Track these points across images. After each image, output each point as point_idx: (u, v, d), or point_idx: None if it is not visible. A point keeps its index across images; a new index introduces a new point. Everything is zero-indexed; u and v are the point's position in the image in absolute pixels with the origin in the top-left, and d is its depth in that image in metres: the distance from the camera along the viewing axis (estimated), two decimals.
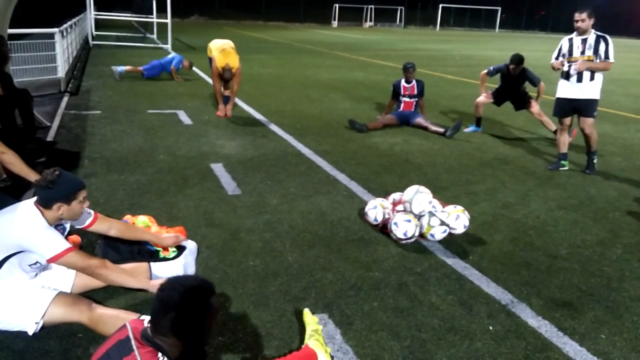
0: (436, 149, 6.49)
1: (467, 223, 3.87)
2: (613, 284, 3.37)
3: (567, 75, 5.58)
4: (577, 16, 5.38)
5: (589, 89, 5.51)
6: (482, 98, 7.40)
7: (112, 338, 1.76)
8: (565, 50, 5.59)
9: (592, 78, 5.47)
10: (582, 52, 5.44)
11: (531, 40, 37.66)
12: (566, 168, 5.84)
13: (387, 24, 51.99)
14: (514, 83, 7.10)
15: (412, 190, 3.91)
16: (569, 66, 5.51)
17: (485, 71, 7.32)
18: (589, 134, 5.63)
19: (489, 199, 4.79)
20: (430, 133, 7.20)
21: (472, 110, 7.55)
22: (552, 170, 5.84)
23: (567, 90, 5.63)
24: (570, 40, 5.55)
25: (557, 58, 5.70)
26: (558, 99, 5.75)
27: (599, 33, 5.43)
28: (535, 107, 7.08)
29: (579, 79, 5.50)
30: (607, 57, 5.37)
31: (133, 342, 1.69)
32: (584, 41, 5.43)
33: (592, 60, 5.39)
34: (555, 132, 7.04)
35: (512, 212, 4.50)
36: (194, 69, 11.92)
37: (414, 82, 7.44)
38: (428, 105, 8.19)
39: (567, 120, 5.81)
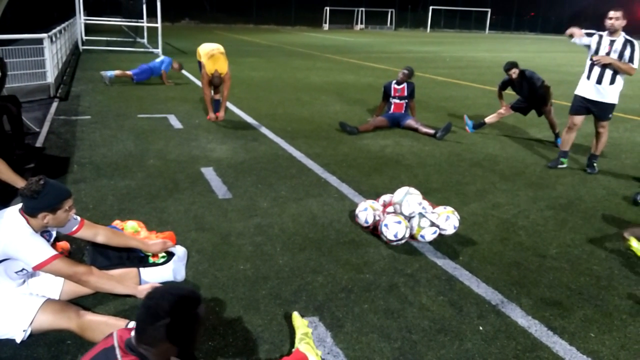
0: (427, 150, 6.51)
1: (457, 224, 3.88)
2: (602, 282, 3.40)
3: (590, 67, 5.46)
4: (612, 14, 5.20)
5: (607, 93, 5.43)
6: (502, 110, 7.31)
7: (98, 346, 1.76)
8: (593, 46, 5.42)
9: (612, 82, 5.35)
10: (607, 54, 5.30)
11: (521, 41, 37.94)
12: (565, 166, 5.92)
13: (377, 26, 52.15)
14: (523, 89, 6.97)
15: (402, 192, 3.92)
16: (593, 62, 5.38)
17: (497, 87, 7.33)
18: (601, 132, 5.66)
19: (479, 200, 4.82)
20: (421, 134, 7.23)
21: (463, 111, 7.58)
22: (551, 167, 5.91)
23: (585, 89, 5.58)
24: (600, 37, 5.38)
25: (588, 47, 5.48)
26: (576, 95, 5.70)
27: (628, 37, 5.28)
28: (548, 106, 6.97)
29: (599, 81, 5.40)
30: (631, 60, 5.23)
31: (117, 351, 1.68)
32: (612, 43, 5.27)
33: None
34: (556, 136, 7.04)
35: (502, 213, 4.53)
36: (184, 72, 11.90)
37: (404, 83, 7.46)
38: (418, 107, 8.22)
39: (578, 120, 5.74)
